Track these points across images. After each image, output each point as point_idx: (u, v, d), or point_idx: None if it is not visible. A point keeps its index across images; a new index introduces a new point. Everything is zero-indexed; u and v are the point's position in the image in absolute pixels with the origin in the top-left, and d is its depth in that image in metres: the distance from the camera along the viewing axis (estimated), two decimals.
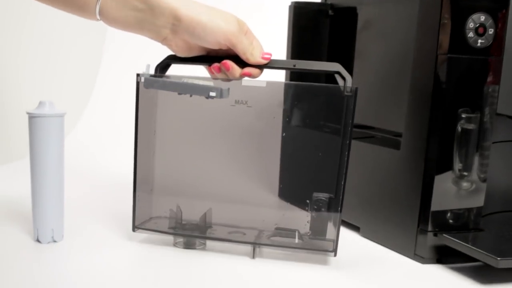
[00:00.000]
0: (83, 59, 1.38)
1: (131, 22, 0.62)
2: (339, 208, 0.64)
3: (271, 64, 0.64)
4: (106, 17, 0.62)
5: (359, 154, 0.74)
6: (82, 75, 1.43)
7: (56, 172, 0.67)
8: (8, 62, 1.20)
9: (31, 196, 0.67)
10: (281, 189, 0.70)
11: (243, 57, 0.62)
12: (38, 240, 0.68)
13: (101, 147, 1.29)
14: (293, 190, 0.70)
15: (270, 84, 0.65)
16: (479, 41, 0.65)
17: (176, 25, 0.61)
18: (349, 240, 0.75)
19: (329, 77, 0.65)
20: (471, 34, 0.64)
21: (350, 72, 0.81)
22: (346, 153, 0.63)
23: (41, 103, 0.66)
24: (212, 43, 0.62)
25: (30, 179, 0.67)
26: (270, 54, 0.63)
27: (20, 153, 1.09)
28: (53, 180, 0.67)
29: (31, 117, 0.65)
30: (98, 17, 0.62)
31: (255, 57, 0.62)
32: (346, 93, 0.62)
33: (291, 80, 0.86)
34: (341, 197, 0.63)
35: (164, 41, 0.63)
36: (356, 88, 0.62)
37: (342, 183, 0.63)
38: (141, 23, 0.62)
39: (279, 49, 0.71)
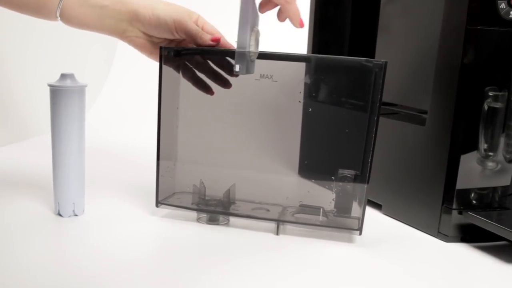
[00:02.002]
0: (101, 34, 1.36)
1: (92, 19, 0.65)
2: (365, 186, 0.63)
3: (288, 58, 0.65)
4: (67, 16, 0.65)
5: (382, 130, 0.73)
6: (102, 48, 1.41)
7: (78, 145, 0.66)
8: (28, 35, 1.19)
9: (52, 170, 0.67)
10: (304, 165, 0.70)
11: (194, 41, 0.66)
12: (59, 214, 0.67)
13: (123, 122, 1.29)
14: (317, 167, 0.69)
15: (296, 58, 0.64)
16: (511, 12, 0.63)
17: (134, 18, 0.66)
18: (371, 217, 0.74)
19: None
20: (503, 5, 0.63)
21: (373, 47, 0.80)
22: (374, 129, 0.62)
23: (62, 75, 0.65)
24: (166, 32, 0.66)
25: (51, 152, 0.67)
26: (219, 38, 0.66)
27: (43, 128, 1.09)
28: (74, 153, 0.66)
29: (53, 89, 0.64)
30: (57, 16, 0.65)
31: (204, 41, 0.65)
32: (374, 62, 0.61)
33: None
34: (367, 174, 0.63)
35: (123, 34, 0.67)
36: (386, 62, 0.61)
37: (369, 160, 0.62)
38: (102, 19, 0.65)
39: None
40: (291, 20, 0.62)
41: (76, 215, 0.68)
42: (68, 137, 0.65)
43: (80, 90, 0.65)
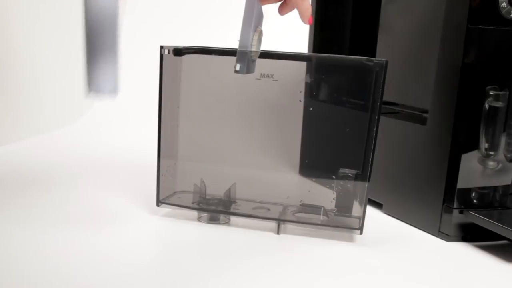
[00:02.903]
0: None
1: None
2: (366, 185, 0.63)
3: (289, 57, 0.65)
4: None
5: (383, 129, 0.73)
6: None
7: None
8: (30, 33, 1.19)
9: None
10: (305, 164, 0.70)
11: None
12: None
13: (124, 121, 1.29)
14: (317, 166, 0.69)
15: (297, 57, 0.64)
16: None
17: None
18: (371, 217, 0.74)
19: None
20: (504, 5, 0.63)
21: (374, 47, 0.80)
22: (374, 128, 0.62)
23: None
24: None
25: None
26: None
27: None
28: None
29: None
30: None
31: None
32: (375, 61, 0.61)
33: None
34: (368, 173, 0.63)
35: None
36: (386, 61, 0.61)
37: (370, 159, 0.62)
38: None
39: (302, 24, 0.70)
40: (301, 16, 0.62)
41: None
42: None
43: None
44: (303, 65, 0.66)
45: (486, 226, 0.63)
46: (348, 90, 0.66)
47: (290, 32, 1.10)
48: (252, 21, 0.60)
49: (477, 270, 0.60)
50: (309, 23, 0.63)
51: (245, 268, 0.56)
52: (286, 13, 0.64)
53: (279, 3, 0.64)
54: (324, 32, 0.90)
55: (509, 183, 0.68)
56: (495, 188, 0.67)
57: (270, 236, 0.65)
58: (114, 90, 0.53)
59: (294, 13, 0.64)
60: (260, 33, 0.61)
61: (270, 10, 0.65)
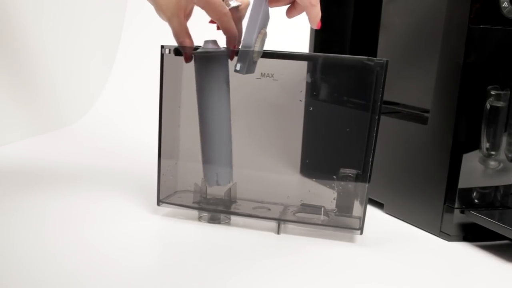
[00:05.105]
0: (103, 32, 1.37)
1: None
2: (367, 185, 0.63)
3: (289, 57, 0.65)
4: None
5: (384, 129, 0.73)
6: (104, 46, 1.42)
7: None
8: (32, 34, 1.19)
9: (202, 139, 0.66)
10: (306, 164, 0.70)
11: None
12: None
13: (125, 120, 1.29)
14: (318, 166, 0.69)
15: (297, 56, 0.64)
16: None
17: None
18: (372, 217, 0.74)
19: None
20: (505, 4, 0.62)
21: (375, 46, 0.80)
22: (375, 128, 0.62)
23: (206, 42, 0.64)
24: None
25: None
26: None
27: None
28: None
29: (200, 55, 0.64)
30: None
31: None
32: (376, 61, 0.61)
33: None
34: (368, 173, 0.63)
35: None
36: (387, 61, 0.61)
37: (370, 159, 0.62)
38: None
39: (303, 23, 0.70)
40: (310, 21, 0.63)
41: (219, 184, 0.66)
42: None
43: (225, 54, 0.64)
44: (303, 64, 0.66)
45: (487, 226, 0.63)
46: (348, 90, 0.66)
47: (291, 32, 1.10)
48: (258, 22, 0.60)
49: (479, 270, 0.60)
50: (317, 28, 0.63)
51: (246, 268, 0.56)
52: (294, 16, 0.64)
53: (287, 6, 0.64)
54: (325, 32, 0.89)
55: (510, 182, 0.68)
56: (496, 188, 0.67)
57: (271, 236, 0.65)
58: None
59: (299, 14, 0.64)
60: (264, 34, 0.61)
61: (272, 10, 0.65)
